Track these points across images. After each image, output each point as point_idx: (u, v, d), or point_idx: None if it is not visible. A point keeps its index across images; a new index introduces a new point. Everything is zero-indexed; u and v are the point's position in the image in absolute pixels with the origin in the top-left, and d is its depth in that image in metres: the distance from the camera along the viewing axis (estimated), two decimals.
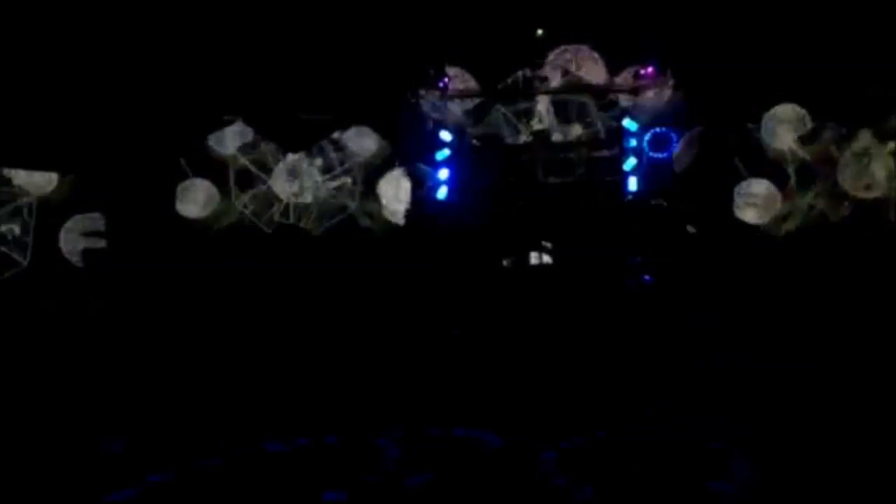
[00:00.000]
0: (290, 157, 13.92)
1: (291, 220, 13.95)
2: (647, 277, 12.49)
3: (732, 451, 6.32)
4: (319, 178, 13.90)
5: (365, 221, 13.79)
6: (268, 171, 13.97)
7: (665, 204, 13.04)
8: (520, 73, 13.60)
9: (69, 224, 13.37)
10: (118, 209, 13.33)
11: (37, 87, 12.91)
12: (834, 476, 5.82)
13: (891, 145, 12.69)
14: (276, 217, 13.94)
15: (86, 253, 13.32)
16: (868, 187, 12.70)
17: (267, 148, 13.97)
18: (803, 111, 12.90)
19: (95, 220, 13.41)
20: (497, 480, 6.16)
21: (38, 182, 13.43)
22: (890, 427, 6.75)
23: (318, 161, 13.95)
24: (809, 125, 12.93)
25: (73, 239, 13.35)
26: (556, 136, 13.77)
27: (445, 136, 13.72)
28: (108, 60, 13.15)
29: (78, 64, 13.08)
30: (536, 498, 5.84)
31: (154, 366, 10.14)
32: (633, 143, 13.40)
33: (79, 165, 13.27)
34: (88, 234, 13.36)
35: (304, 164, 13.91)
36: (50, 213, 13.40)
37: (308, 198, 13.92)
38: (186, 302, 12.34)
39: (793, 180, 12.94)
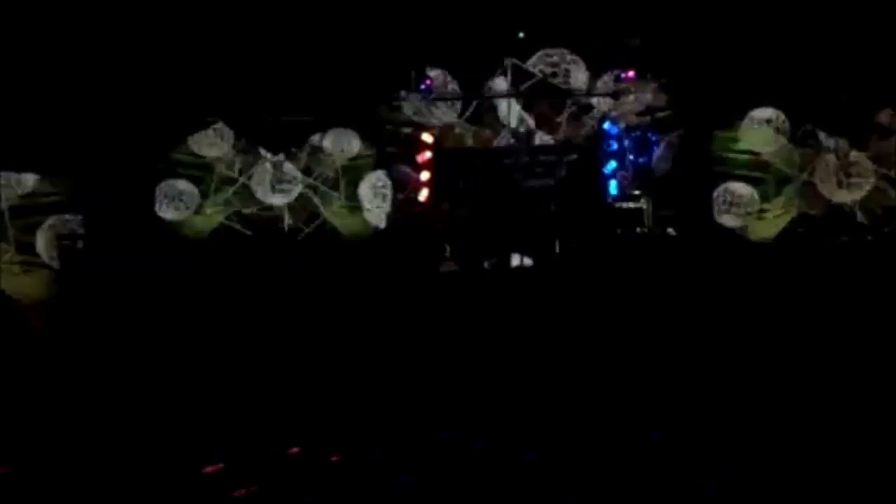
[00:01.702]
0: (271, 158, 13.86)
1: (272, 222, 13.89)
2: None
3: (718, 452, 6.36)
4: (300, 181, 13.84)
5: (345, 224, 13.75)
6: (248, 172, 13.90)
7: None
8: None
9: (46, 224, 13.25)
10: (97, 211, 13.22)
11: (14, 88, 12.81)
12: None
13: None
14: (256, 219, 13.88)
15: (63, 254, 13.20)
16: (845, 189, 12.84)
17: (247, 150, 13.91)
18: (782, 114, 12.99)
19: (74, 221, 13.30)
20: (480, 482, 6.16)
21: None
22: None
23: (299, 163, 13.89)
24: (788, 128, 13.04)
25: (50, 239, 13.23)
26: (537, 140, 13.81)
27: (427, 138, 13.71)
28: (87, 62, 13.06)
29: (55, 65, 13.00)
30: (519, 499, 5.84)
31: (134, 367, 10.08)
32: (614, 146, 13.43)
33: (57, 166, 13.16)
34: (66, 236, 13.25)
35: (285, 167, 13.84)
36: (27, 214, 13.27)
37: (288, 200, 13.85)
38: (165, 304, 12.26)
39: (772, 183, 13.04)
